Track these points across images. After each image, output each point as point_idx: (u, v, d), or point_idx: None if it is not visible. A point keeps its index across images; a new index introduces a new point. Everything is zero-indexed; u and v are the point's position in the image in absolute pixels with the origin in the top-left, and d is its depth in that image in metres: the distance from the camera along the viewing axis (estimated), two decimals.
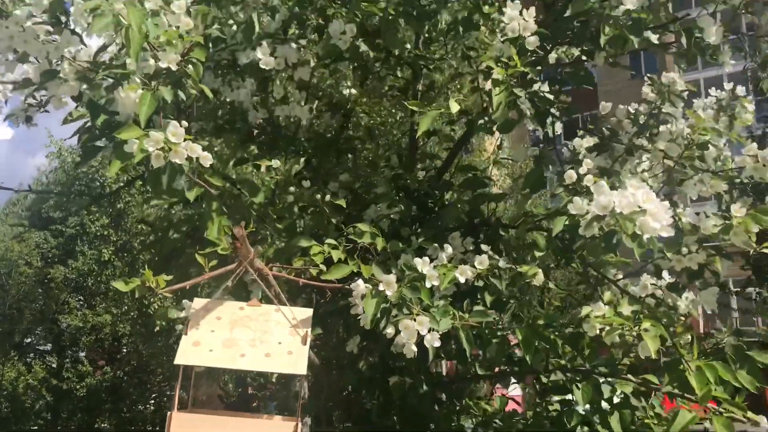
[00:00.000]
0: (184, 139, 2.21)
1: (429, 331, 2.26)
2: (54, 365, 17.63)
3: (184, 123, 2.23)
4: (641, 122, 2.96)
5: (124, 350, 17.91)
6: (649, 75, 3.13)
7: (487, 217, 3.40)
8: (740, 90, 3.83)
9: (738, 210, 2.30)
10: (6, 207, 26.52)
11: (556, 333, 2.56)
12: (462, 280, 2.69)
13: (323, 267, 2.59)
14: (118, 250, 16.95)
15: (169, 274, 2.90)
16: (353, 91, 4.43)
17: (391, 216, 3.62)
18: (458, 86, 5.45)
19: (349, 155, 4.29)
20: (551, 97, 3.08)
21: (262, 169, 3.23)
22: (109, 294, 16.60)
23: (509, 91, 2.61)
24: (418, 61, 3.66)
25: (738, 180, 2.94)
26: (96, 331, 16.76)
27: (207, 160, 2.23)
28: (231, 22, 2.91)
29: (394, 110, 5.14)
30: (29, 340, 19.14)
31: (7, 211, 25.99)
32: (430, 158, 4.11)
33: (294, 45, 3.31)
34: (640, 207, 1.89)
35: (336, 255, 2.69)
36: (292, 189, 3.01)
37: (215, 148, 3.60)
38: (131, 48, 2.13)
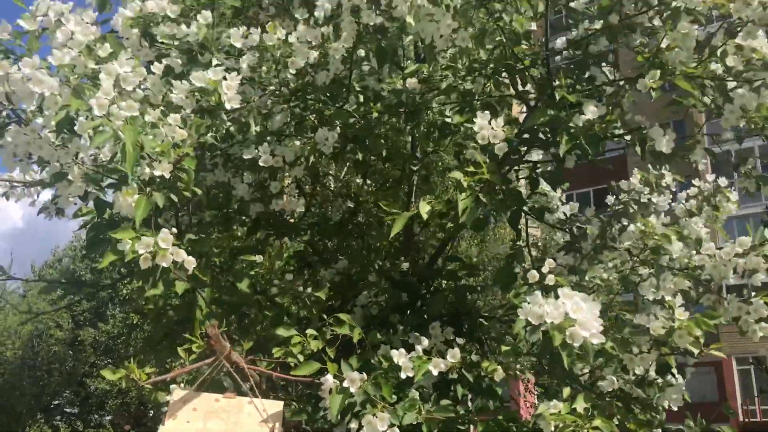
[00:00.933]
0: (173, 244, 2.46)
1: (389, 427, 2.40)
2: (81, 429, 17.83)
3: (174, 230, 2.48)
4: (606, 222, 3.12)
5: (150, 414, 18.04)
6: (614, 182, 3.32)
7: (470, 307, 3.57)
8: (722, 181, 4.00)
9: (681, 314, 2.44)
10: (42, 269, 27.35)
11: (516, 429, 2.67)
12: (435, 372, 2.85)
13: (300, 358, 2.77)
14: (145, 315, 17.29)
15: (161, 356, 3.12)
16: (358, 180, 4.71)
17: (381, 302, 3.81)
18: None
19: (353, 242, 4.50)
20: (524, 193, 3.28)
21: (259, 258, 3.48)
22: (137, 358, 16.86)
23: (474, 197, 2.81)
24: (410, 158, 3.90)
25: (703, 277, 3.07)
26: (122, 395, 16.99)
27: (191, 264, 2.47)
28: (228, 124, 3.18)
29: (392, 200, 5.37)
30: (57, 401, 19.43)
31: (43, 272, 26.77)
32: (422, 247, 4.30)
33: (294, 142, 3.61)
34: (569, 316, 2.05)
35: (315, 345, 2.88)
36: (276, 282, 3.23)
37: (218, 236, 3.85)
38: (127, 162, 2.40)
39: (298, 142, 3.67)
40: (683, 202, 4.07)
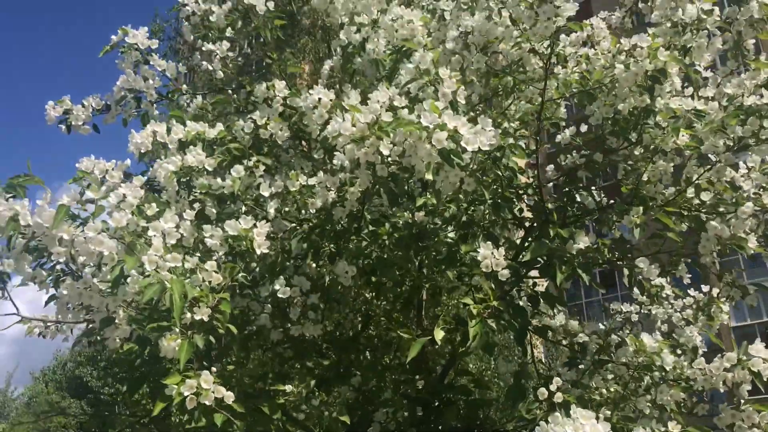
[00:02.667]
0: (213, 382, 2.74)
1: None
2: None
3: (213, 369, 2.76)
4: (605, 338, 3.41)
5: None
6: (611, 306, 3.64)
7: (481, 421, 3.80)
8: (716, 291, 4.31)
9: (674, 426, 2.69)
10: (47, 374, 27.19)
11: None
12: None
13: None
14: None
15: None
16: (368, 295, 5.01)
17: (398, 418, 4.04)
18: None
19: (367, 354, 4.76)
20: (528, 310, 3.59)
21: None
22: None
23: (483, 323, 3.11)
24: (420, 279, 4.22)
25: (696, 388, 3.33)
26: None
27: (229, 398, 2.74)
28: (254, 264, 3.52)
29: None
30: None
31: (48, 378, 26.61)
32: (433, 361, 4.55)
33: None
34: None
35: None
36: (303, 407, 3.47)
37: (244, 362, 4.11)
38: (174, 311, 2.70)
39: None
40: (679, 311, 4.38)
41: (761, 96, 3.14)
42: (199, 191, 3.47)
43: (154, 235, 2.86)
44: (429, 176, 2.89)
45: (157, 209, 2.98)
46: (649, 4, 3.85)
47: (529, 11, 3.03)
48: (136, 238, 2.81)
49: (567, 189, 3.94)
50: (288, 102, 3.89)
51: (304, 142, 4.28)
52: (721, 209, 3.14)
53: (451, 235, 4.06)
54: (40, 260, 2.94)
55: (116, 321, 3.10)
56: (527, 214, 4.09)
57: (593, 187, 4.05)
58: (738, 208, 3.06)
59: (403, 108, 3.06)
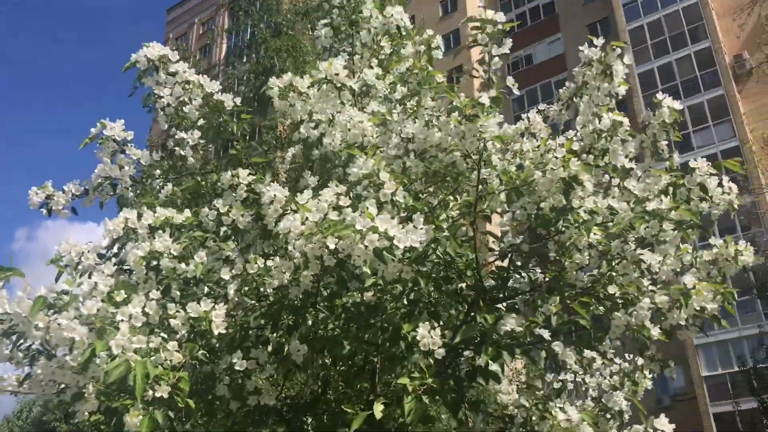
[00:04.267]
0: None
1: None
2: None
3: None
4: None
5: None
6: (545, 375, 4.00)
7: None
8: (639, 360, 4.73)
9: None
10: (12, 421, 26.83)
11: None
12: None
13: None
14: None
15: None
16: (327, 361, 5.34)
17: None
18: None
19: (324, 419, 5.08)
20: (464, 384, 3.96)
21: None
22: None
23: (418, 399, 3.47)
24: (370, 351, 4.58)
25: None
26: None
27: None
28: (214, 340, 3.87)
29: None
30: None
31: (13, 424, 26.26)
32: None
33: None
34: None
35: None
36: None
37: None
38: (137, 390, 3.05)
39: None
40: (608, 378, 4.78)
41: (661, 201, 3.59)
42: (164, 274, 3.83)
43: (122, 320, 3.22)
44: (366, 269, 3.28)
45: (126, 295, 3.34)
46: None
47: (457, 128, 3.49)
48: (106, 323, 3.17)
49: (502, 271, 4.34)
50: (252, 188, 4.30)
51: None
52: (626, 300, 3.57)
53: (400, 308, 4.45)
54: (17, 342, 3.28)
55: (86, 395, 3.42)
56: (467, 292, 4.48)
57: (532, 265, 4.47)
58: (638, 303, 3.49)
59: (347, 207, 3.47)
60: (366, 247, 3.19)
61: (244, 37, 36.44)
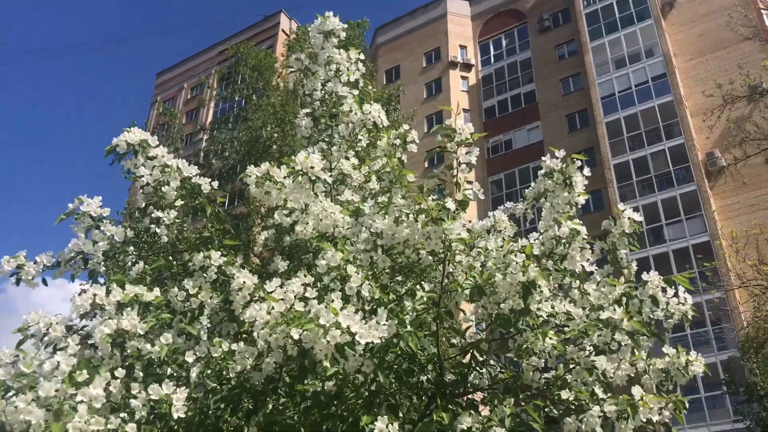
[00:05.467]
0: None
1: None
2: None
3: None
4: None
5: None
6: None
7: None
8: None
9: None
10: None
11: None
12: None
13: None
14: None
15: None
16: None
17: None
18: None
19: None
20: None
21: None
22: None
23: None
24: None
25: None
26: None
27: None
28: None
29: None
30: None
31: None
32: None
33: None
34: None
35: None
36: None
37: None
38: None
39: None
40: None
41: (615, 310, 3.75)
42: (129, 354, 3.87)
43: (81, 401, 3.25)
44: (327, 364, 3.36)
45: (88, 375, 3.38)
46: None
47: (424, 229, 3.65)
48: (65, 404, 3.19)
49: (463, 366, 4.44)
50: (222, 269, 4.40)
51: None
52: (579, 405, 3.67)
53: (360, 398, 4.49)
54: None
55: None
56: (428, 386, 4.55)
57: (491, 363, 4.56)
58: (589, 410, 3.60)
59: (313, 299, 3.58)
60: (328, 342, 3.28)
61: (232, 104, 37.20)
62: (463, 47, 47.08)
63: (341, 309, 3.41)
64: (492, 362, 4.47)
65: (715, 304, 27.12)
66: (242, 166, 28.67)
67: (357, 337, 3.37)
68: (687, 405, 3.93)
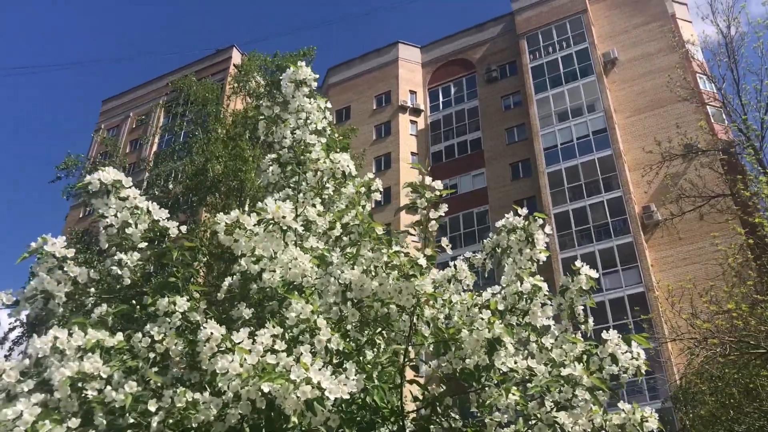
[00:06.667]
0: None
1: None
2: None
3: None
4: None
5: None
6: None
7: None
8: None
9: None
10: None
11: None
12: None
13: None
14: None
15: None
16: None
17: None
18: None
19: None
20: None
21: None
22: None
23: None
24: None
25: None
26: None
27: None
28: None
29: None
30: None
31: None
32: None
33: None
34: None
35: None
36: None
37: None
38: None
39: None
40: None
41: (575, 367, 3.89)
42: (91, 399, 3.79)
43: None
44: (295, 419, 3.38)
45: (50, 427, 3.30)
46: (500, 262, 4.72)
47: (396, 284, 3.74)
48: None
49: (424, 418, 4.49)
50: (186, 316, 4.37)
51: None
52: None
53: None
54: None
55: None
56: None
57: (451, 416, 4.62)
58: None
59: (282, 351, 3.60)
60: (298, 397, 3.30)
61: (176, 137, 36.83)
62: (413, 92, 48.00)
63: (311, 363, 3.44)
64: (454, 415, 4.53)
65: (650, 355, 27.82)
66: (185, 199, 28.39)
67: (326, 393, 3.39)
68: None
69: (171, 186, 29.24)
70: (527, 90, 42.80)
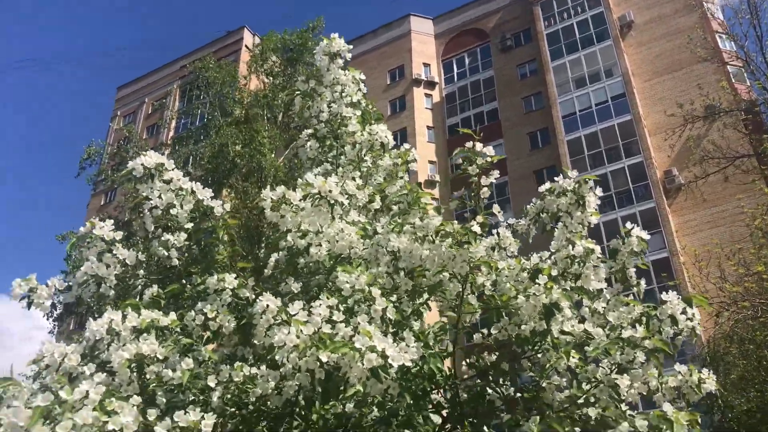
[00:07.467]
0: None
1: None
2: None
3: None
4: None
5: None
6: None
7: None
8: None
9: None
10: None
11: None
12: None
13: None
14: None
15: None
16: None
17: None
18: None
19: None
20: None
21: None
22: None
23: None
24: None
25: None
26: None
27: None
28: None
29: None
30: None
31: None
32: None
33: None
34: None
35: None
36: None
37: None
38: None
39: None
40: None
41: (635, 329, 3.85)
42: (150, 379, 3.81)
43: (113, 430, 3.19)
44: (360, 387, 3.38)
45: (117, 404, 3.32)
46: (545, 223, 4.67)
47: (449, 251, 3.71)
48: None
49: (478, 386, 4.48)
50: (236, 293, 4.37)
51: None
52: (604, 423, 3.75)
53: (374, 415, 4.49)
54: None
55: None
56: (444, 404, 4.58)
57: (504, 384, 4.61)
58: (618, 426, 3.68)
59: (340, 322, 3.59)
60: (364, 365, 3.29)
61: (195, 119, 36.91)
62: (426, 65, 47.60)
63: (372, 332, 3.43)
64: (507, 382, 4.52)
65: None
66: (205, 182, 28.45)
67: (390, 360, 3.38)
68: (699, 421, 4.04)
69: (191, 169, 29.31)
70: (543, 57, 42.26)
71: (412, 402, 4.21)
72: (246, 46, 50.19)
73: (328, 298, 3.79)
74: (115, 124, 54.04)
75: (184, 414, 3.56)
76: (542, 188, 4.84)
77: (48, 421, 3.08)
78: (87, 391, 3.32)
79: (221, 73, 27.73)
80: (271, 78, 27.25)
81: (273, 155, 23.40)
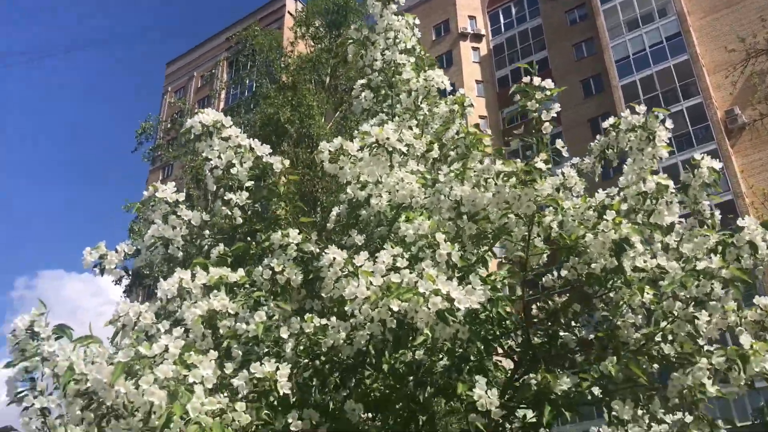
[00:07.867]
0: None
1: None
2: None
3: None
4: None
5: None
6: None
7: None
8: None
9: None
10: None
11: None
12: None
13: None
14: None
15: None
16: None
17: None
18: None
19: None
20: None
21: None
22: None
23: None
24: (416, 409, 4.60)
25: None
26: None
27: None
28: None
29: None
30: None
31: None
32: None
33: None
34: None
35: None
36: None
37: None
38: None
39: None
40: None
41: (711, 260, 3.70)
42: (224, 334, 3.89)
43: (195, 383, 3.26)
44: (428, 332, 3.36)
45: (195, 357, 3.39)
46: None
47: (513, 192, 3.62)
48: (180, 386, 3.21)
49: (550, 329, 4.42)
50: (301, 247, 4.40)
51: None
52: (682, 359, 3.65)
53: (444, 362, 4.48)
54: (88, 404, 3.30)
55: None
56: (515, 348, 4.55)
57: (576, 325, 4.53)
58: (696, 362, 3.57)
59: (405, 268, 3.56)
60: (429, 309, 3.27)
61: (244, 89, 37.15)
62: (472, 18, 46.60)
63: (436, 276, 3.39)
64: (579, 323, 4.45)
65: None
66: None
67: (456, 303, 3.34)
68: None
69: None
70: (593, 1, 40.83)
71: (482, 347, 4.18)
72: (289, 12, 50.02)
73: (392, 247, 3.76)
74: (167, 99, 54.90)
75: (260, 365, 3.64)
76: (605, 123, 4.69)
77: (129, 377, 3.17)
78: (166, 346, 3.40)
79: (267, 38, 27.71)
80: (316, 41, 27.10)
81: (322, 119, 23.39)
